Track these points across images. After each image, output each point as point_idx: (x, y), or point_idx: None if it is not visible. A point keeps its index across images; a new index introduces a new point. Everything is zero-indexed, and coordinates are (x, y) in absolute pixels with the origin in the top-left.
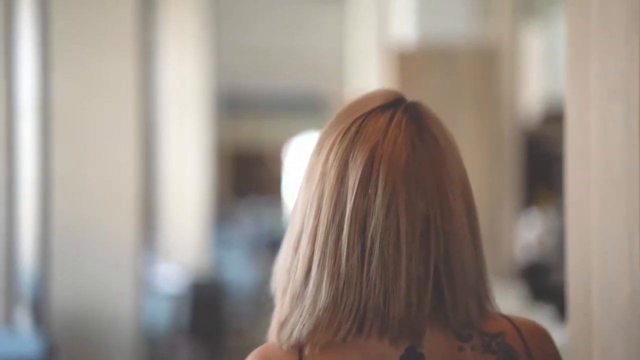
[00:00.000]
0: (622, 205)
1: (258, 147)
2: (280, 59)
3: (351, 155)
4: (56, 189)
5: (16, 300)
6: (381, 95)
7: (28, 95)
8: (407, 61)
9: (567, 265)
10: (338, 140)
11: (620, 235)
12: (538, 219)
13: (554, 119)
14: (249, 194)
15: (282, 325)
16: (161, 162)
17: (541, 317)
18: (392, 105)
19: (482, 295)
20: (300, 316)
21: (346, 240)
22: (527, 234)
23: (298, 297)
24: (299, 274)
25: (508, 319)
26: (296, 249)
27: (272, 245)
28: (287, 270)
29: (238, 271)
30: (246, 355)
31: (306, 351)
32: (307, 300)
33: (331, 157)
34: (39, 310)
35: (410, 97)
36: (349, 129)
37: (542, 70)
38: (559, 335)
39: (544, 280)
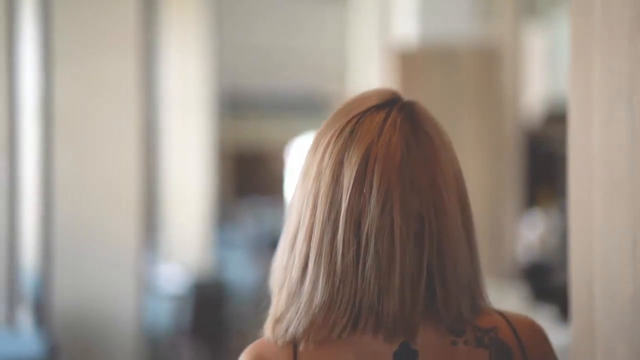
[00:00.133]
0: (625, 205)
1: (260, 147)
2: (281, 59)
3: (346, 155)
4: (58, 189)
5: (18, 300)
6: (377, 94)
7: (30, 96)
8: (409, 61)
9: (569, 266)
10: (333, 139)
11: (623, 236)
12: (540, 219)
13: (556, 119)
14: (251, 194)
15: (278, 321)
16: (163, 162)
17: (543, 317)
18: (388, 105)
19: (475, 292)
20: (297, 313)
21: (342, 239)
22: (529, 234)
23: (294, 294)
24: (296, 271)
25: (501, 314)
26: (293, 246)
27: (274, 245)
28: (283, 267)
29: (240, 271)
30: None
31: (301, 347)
32: (304, 298)
33: (327, 156)
34: (41, 311)
35: (411, 97)
36: (344, 128)
37: (544, 70)
38: (561, 336)
39: (546, 281)
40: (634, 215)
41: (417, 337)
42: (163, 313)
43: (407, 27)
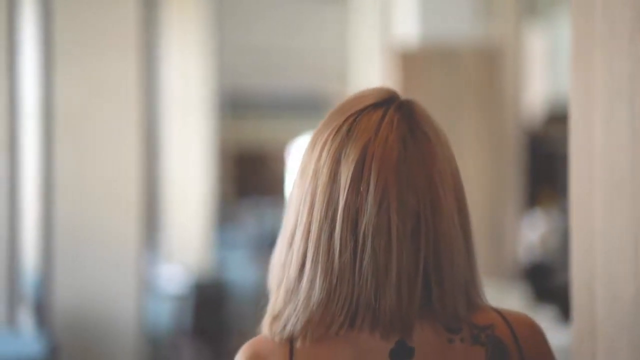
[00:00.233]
0: (626, 205)
1: (260, 147)
2: (282, 59)
3: (343, 153)
4: (58, 189)
5: (19, 301)
6: (374, 93)
7: (30, 96)
8: (410, 61)
9: (570, 266)
10: (331, 137)
11: (625, 236)
12: (541, 219)
13: (557, 119)
14: (252, 194)
15: (276, 318)
16: (163, 163)
17: (544, 317)
18: (385, 103)
19: (471, 290)
20: (294, 310)
21: (339, 237)
22: (530, 234)
23: (292, 292)
24: (293, 269)
25: (498, 312)
26: (290, 244)
27: (275, 245)
28: (281, 265)
29: (241, 271)
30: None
31: (298, 344)
32: (301, 295)
33: (324, 155)
34: (42, 311)
35: (412, 97)
36: (341, 126)
37: (545, 70)
38: (562, 336)
39: (547, 281)
40: (635, 216)
41: (414, 335)
42: (164, 313)
43: (407, 27)
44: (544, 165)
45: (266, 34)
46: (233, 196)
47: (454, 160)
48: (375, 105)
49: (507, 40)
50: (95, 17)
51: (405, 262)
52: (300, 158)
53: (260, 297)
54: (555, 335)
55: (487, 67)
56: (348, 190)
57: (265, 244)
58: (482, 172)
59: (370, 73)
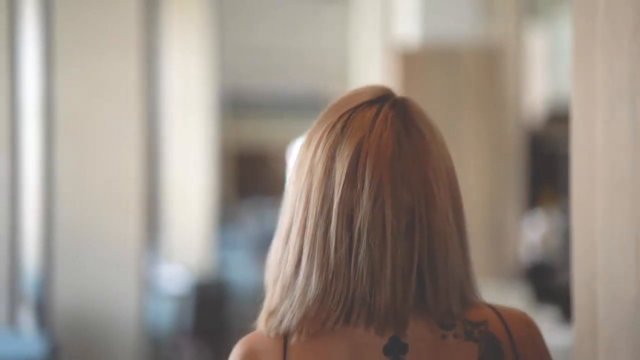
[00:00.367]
0: (627, 205)
1: (262, 147)
2: (283, 59)
3: (338, 149)
4: (59, 189)
5: (19, 301)
6: (369, 90)
7: (31, 96)
8: (411, 61)
9: (571, 266)
10: (325, 134)
11: (626, 236)
12: (542, 219)
13: (558, 119)
14: (253, 195)
15: (272, 314)
16: (164, 163)
17: (545, 318)
18: (379, 101)
19: (465, 287)
20: (291, 306)
21: (334, 233)
22: (531, 234)
23: (288, 288)
24: (289, 265)
25: (493, 308)
26: (286, 241)
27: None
28: (277, 261)
29: (242, 272)
30: None
31: (293, 339)
32: (297, 291)
33: (319, 152)
34: (42, 311)
35: (408, 95)
36: (335, 123)
37: (546, 70)
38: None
39: (548, 281)
40: (636, 216)
41: (408, 330)
42: (164, 313)
43: (408, 27)
44: (544, 165)
45: (267, 34)
46: (234, 196)
47: (449, 158)
48: (369, 103)
49: (507, 40)
50: (96, 17)
51: (400, 258)
52: (296, 156)
53: (261, 297)
54: (556, 336)
55: (488, 67)
56: (343, 186)
57: (266, 244)
58: (483, 172)
59: (371, 73)
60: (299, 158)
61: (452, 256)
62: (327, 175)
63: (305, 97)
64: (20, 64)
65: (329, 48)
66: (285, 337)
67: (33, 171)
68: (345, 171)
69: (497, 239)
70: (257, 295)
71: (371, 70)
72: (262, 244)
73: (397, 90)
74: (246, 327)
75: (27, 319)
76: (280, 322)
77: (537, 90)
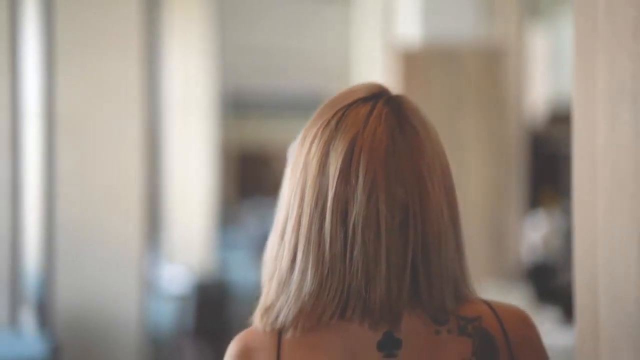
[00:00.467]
0: (629, 205)
1: (263, 147)
2: (284, 59)
3: (332, 146)
4: (60, 190)
5: (21, 301)
6: (364, 88)
7: (32, 96)
8: (412, 61)
9: (573, 266)
10: (320, 131)
11: (628, 236)
12: (543, 219)
13: (560, 119)
14: (254, 195)
15: (268, 309)
16: (166, 163)
17: (547, 318)
18: (374, 97)
19: (459, 282)
20: (287, 301)
21: (329, 228)
22: (533, 234)
23: (284, 283)
24: (285, 261)
25: (488, 304)
26: (282, 237)
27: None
28: (273, 257)
29: (243, 272)
30: None
31: (288, 334)
32: (293, 286)
33: (313, 148)
34: (43, 311)
35: (414, 97)
36: (330, 120)
37: (548, 70)
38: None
39: (550, 282)
40: (637, 216)
41: (401, 326)
42: (166, 313)
43: (410, 27)
44: (546, 165)
45: (268, 33)
46: (235, 196)
47: (444, 155)
48: (364, 100)
49: (509, 40)
50: (97, 18)
51: (394, 254)
52: (292, 153)
53: (258, 294)
54: (558, 336)
55: (489, 68)
56: (337, 182)
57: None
58: (484, 173)
59: (372, 73)
60: (295, 155)
61: (446, 252)
62: (321, 171)
63: (306, 97)
64: (21, 64)
65: (330, 48)
66: (280, 332)
67: (34, 171)
68: (339, 167)
69: (498, 239)
70: (259, 296)
71: (372, 70)
72: (264, 244)
73: (398, 90)
74: (247, 327)
75: (28, 319)
76: (277, 317)
77: (539, 91)
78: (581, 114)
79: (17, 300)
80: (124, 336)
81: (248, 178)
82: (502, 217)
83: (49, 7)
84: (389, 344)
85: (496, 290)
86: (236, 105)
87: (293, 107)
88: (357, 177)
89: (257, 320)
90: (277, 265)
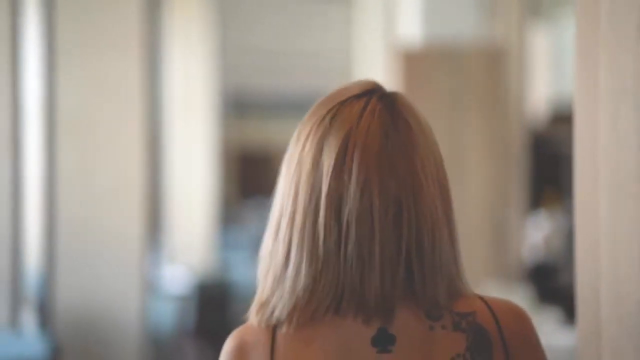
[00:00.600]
0: (631, 205)
1: (264, 148)
2: (286, 59)
3: (326, 142)
4: (61, 190)
5: (21, 301)
6: (358, 85)
7: (33, 96)
8: (414, 61)
9: (575, 266)
10: (314, 128)
11: (629, 236)
12: (545, 220)
13: (562, 119)
14: (255, 195)
15: (263, 305)
16: (167, 163)
17: (549, 318)
18: (368, 94)
19: (453, 277)
20: (281, 297)
21: (323, 223)
22: (535, 235)
23: (279, 279)
24: (280, 256)
25: (483, 299)
26: (276, 233)
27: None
28: (268, 254)
29: (244, 272)
30: None
31: (283, 330)
32: (288, 282)
33: (308, 145)
34: (44, 312)
35: (416, 97)
36: (324, 117)
37: (550, 70)
38: (567, 337)
39: (551, 282)
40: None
41: (395, 322)
42: (167, 314)
43: (411, 28)
44: (548, 165)
45: (270, 34)
46: (236, 197)
47: (438, 150)
48: (357, 96)
49: (510, 40)
50: (98, 18)
51: (388, 248)
52: (287, 151)
53: (254, 291)
54: (560, 336)
55: (491, 68)
56: (330, 177)
57: None
58: (486, 173)
59: (374, 73)
60: (289, 152)
61: (440, 246)
62: (315, 167)
63: (307, 97)
64: (22, 64)
65: (332, 48)
66: (275, 328)
67: (35, 171)
68: (332, 163)
69: (500, 239)
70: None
71: (374, 70)
72: None
73: (400, 90)
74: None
75: (29, 320)
76: (272, 313)
77: (540, 91)
78: (583, 114)
79: (18, 300)
80: (124, 336)
81: (249, 178)
82: (503, 218)
83: (49, 7)
84: (383, 340)
85: (498, 291)
86: (237, 106)
87: (294, 107)
88: (351, 172)
89: (253, 316)
90: (271, 261)
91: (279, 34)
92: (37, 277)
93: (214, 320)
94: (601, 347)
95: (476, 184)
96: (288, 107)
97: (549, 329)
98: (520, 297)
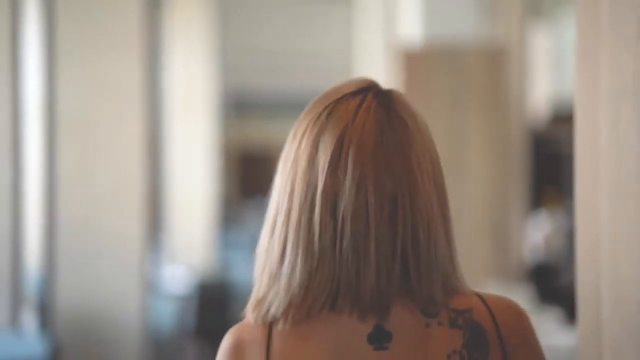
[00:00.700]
0: (632, 206)
1: (265, 148)
2: (287, 59)
3: (322, 139)
4: (62, 190)
5: (22, 301)
6: (354, 83)
7: (34, 97)
8: (415, 61)
9: (576, 266)
10: (310, 125)
11: (631, 236)
12: (546, 220)
13: (562, 119)
14: (256, 195)
15: (259, 302)
16: (168, 163)
17: (550, 319)
18: (363, 92)
19: (449, 273)
20: (277, 294)
21: (318, 220)
22: (535, 235)
23: (275, 276)
24: (276, 254)
25: (480, 296)
26: (273, 231)
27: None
28: (265, 251)
29: (245, 272)
30: None
31: (279, 327)
32: (284, 279)
33: (304, 142)
34: (45, 312)
35: (417, 97)
36: (320, 114)
37: (550, 70)
38: (568, 338)
39: (552, 282)
40: None
41: (391, 319)
42: (167, 314)
43: (412, 28)
44: (548, 165)
45: (270, 34)
46: (237, 197)
47: (434, 147)
48: (353, 94)
49: (511, 40)
50: (98, 18)
51: (383, 245)
52: (284, 149)
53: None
54: (561, 337)
55: (492, 68)
56: (326, 174)
57: None
58: (486, 173)
59: (374, 73)
60: (286, 150)
61: (436, 243)
62: (311, 164)
63: (308, 97)
64: (23, 64)
65: (332, 48)
66: (272, 325)
67: (35, 171)
68: (328, 160)
69: (501, 239)
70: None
71: (375, 70)
72: None
73: (400, 90)
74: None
75: (29, 320)
76: (268, 310)
77: (541, 91)
78: (584, 114)
79: (18, 301)
80: (125, 336)
81: (250, 178)
82: (504, 218)
83: (50, 7)
84: (380, 337)
85: (498, 291)
86: (238, 106)
87: (295, 107)
88: (346, 169)
89: (250, 313)
90: (267, 259)
91: (280, 34)
92: (37, 277)
93: (214, 320)
94: (602, 347)
95: (477, 184)
96: (289, 107)
97: (549, 329)
98: (521, 297)
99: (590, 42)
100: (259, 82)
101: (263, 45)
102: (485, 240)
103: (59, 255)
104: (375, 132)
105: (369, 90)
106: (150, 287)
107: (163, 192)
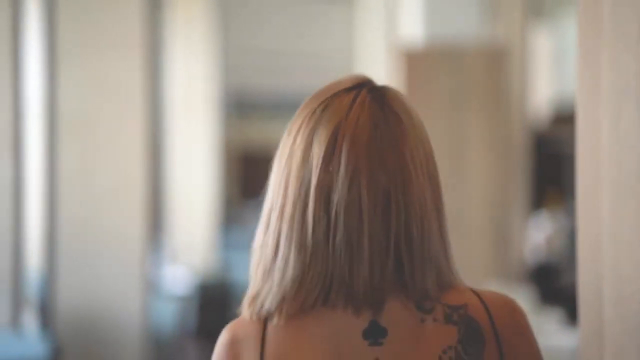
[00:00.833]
0: (633, 205)
1: (266, 148)
2: (287, 59)
3: (315, 134)
4: (63, 190)
5: (22, 301)
6: (349, 79)
7: (35, 96)
8: (416, 61)
9: (577, 266)
10: (305, 121)
11: (632, 236)
12: (547, 220)
13: (564, 119)
14: (257, 195)
15: (254, 298)
16: (169, 163)
17: (551, 319)
18: (357, 87)
19: (443, 268)
20: (270, 288)
21: (312, 214)
22: (537, 235)
23: (269, 271)
24: (269, 249)
25: (475, 292)
26: (267, 226)
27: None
28: (259, 247)
29: (245, 272)
30: None
31: (273, 321)
32: (277, 273)
33: (299, 138)
34: (45, 312)
35: (418, 97)
36: (315, 110)
37: (551, 70)
38: (569, 338)
39: (554, 282)
40: None
41: (386, 314)
42: (168, 314)
43: (413, 28)
44: (550, 165)
45: (271, 34)
46: (237, 197)
47: (428, 142)
48: (348, 89)
49: (513, 40)
50: (99, 18)
51: (376, 239)
52: (279, 145)
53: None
54: (562, 337)
55: (493, 68)
56: (320, 169)
57: None
58: (488, 173)
59: (375, 73)
60: (281, 146)
61: (429, 237)
62: (305, 159)
63: None
64: (23, 64)
65: (333, 48)
66: (266, 320)
67: (36, 172)
68: (322, 154)
69: (502, 239)
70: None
71: (376, 70)
72: None
73: (401, 90)
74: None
75: (30, 320)
76: (262, 305)
77: (542, 91)
78: (585, 114)
79: (19, 301)
80: (126, 337)
81: (250, 178)
82: (505, 218)
83: (51, 7)
84: (375, 332)
85: (499, 291)
86: (239, 106)
87: (296, 107)
88: (340, 164)
89: (245, 309)
90: (262, 254)
91: (281, 34)
92: (38, 277)
93: (215, 320)
94: (603, 347)
95: (478, 184)
96: (289, 108)
97: (551, 330)
98: (522, 297)
99: (591, 42)
100: (259, 82)
101: (264, 45)
102: (486, 240)
103: (59, 255)
104: (369, 126)
105: (363, 85)
106: (151, 287)
107: (163, 192)
